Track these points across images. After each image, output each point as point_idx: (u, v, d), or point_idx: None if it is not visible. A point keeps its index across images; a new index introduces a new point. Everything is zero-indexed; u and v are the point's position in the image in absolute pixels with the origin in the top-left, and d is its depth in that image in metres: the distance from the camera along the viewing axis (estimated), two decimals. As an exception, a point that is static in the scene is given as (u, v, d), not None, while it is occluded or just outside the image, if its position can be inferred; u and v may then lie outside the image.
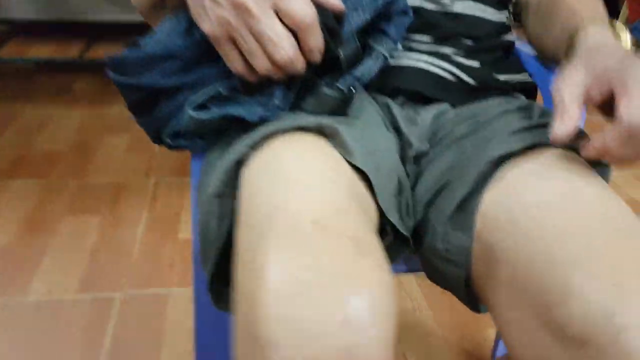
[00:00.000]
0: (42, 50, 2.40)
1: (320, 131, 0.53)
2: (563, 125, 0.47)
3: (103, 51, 2.39)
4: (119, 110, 1.96)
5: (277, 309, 0.35)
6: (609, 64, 0.49)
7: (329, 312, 0.35)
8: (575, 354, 0.38)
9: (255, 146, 0.51)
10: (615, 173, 1.75)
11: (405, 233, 0.55)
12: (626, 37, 0.56)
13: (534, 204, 0.47)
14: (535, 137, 0.53)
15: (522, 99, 0.65)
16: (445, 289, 0.60)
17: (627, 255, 0.41)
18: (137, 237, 1.30)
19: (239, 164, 0.52)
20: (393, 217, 0.53)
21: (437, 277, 0.59)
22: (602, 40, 0.54)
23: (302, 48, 0.50)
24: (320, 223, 0.40)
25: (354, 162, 0.51)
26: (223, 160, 0.53)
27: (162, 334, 1.04)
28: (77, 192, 1.45)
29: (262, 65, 0.50)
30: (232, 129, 0.57)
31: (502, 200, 0.50)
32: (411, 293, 1.21)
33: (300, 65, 0.50)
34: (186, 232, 1.33)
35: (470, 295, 0.56)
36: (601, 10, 0.63)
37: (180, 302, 1.12)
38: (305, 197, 0.43)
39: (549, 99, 0.75)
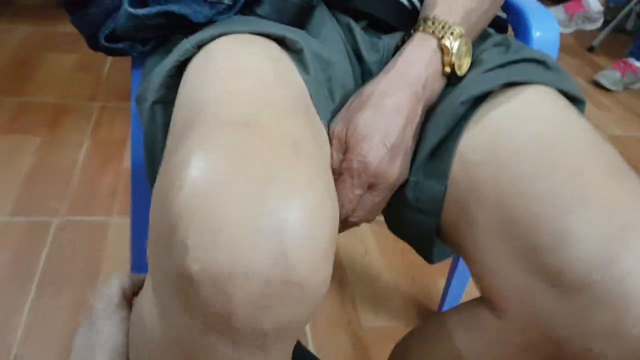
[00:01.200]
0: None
1: (281, 42, 0.48)
2: None
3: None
4: (68, 29, 1.82)
5: (191, 207, 0.30)
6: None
7: (255, 214, 0.30)
8: (570, 300, 0.37)
9: (202, 46, 0.47)
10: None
11: None
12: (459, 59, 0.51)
13: (520, 144, 0.44)
14: (513, 75, 0.50)
15: (494, 34, 0.61)
16: (405, 239, 0.57)
17: (623, 195, 0.39)
18: (78, 162, 1.23)
19: (184, 65, 0.47)
20: None
21: (401, 226, 0.56)
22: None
23: None
24: (252, 123, 0.36)
25: (307, 85, 0.48)
26: (164, 63, 0.47)
27: (99, 264, 0.99)
28: (14, 110, 1.35)
29: None
30: (174, 33, 0.51)
31: (484, 141, 0.47)
32: (363, 238, 1.19)
33: None
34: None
35: (431, 245, 0.54)
36: (460, 8, 0.53)
37: (120, 231, 1.07)
38: (242, 94, 0.39)
39: (522, 34, 0.71)
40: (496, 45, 0.58)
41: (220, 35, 0.47)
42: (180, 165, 0.32)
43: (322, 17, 0.57)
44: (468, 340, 0.47)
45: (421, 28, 0.52)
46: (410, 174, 0.51)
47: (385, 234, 1.24)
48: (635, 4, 2.43)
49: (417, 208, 0.51)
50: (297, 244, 0.30)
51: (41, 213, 1.07)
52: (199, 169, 0.31)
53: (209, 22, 0.50)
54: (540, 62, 0.53)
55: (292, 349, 0.37)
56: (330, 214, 0.33)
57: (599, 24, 2.24)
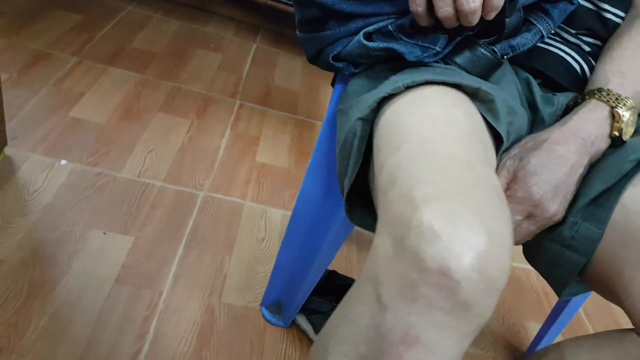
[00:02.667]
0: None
1: (474, 94, 0.58)
2: None
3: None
4: (212, 30, 2.02)
5: (428, 236, 0.39)
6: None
7: (470, 239, 0.39)
8: None
9: (410, 87, 0.57)
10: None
11: None
12: (626, 125, 0.60)
13: None
14: None
15: None
16: (541, 270, 0.64)
17: None
18: (220, 148, 1.38)
19: (389, 97, 0.57)
20: None
21: (543, 259, 0.63)
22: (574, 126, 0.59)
23: (484, 4, 0.55)
24: (470, 163, 0.46)
25: (499, 130, 0.57)
26: (376, 91, 0.58)
27: (234, 238, 1.12)
28: (170, 93, 1.53)
29: (445, 10, 0.54)
30: (383, 64, 0.62)
31: None
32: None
33: (476, 18, 0.55)
34: (264, 157, 1.40)
35: (568, 281, 0.61)
36: (635, 83, 0.62)
37: (252, 214, 1.20)
38: (455, 139, 0.49)
39: None
40: None
41: (427, 82, 0.56)
42: (421, 201, 0.41)
43: (503, 70, 0.67)
44: (614, 358, 0.54)
45: (597, 96, 0.61)
46: (569, 214, 0.59)
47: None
48: None
49: (571, 245, 0.59)
50: (484, 258, 0.39)
51: (189, 185, 1.22)
52: (435, 208, 0.40)
53: (418, 61, 0.60)
54: None
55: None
56: (508, 242, 0.41)
57: None
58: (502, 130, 0.58)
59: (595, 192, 0.58)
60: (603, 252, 0.57)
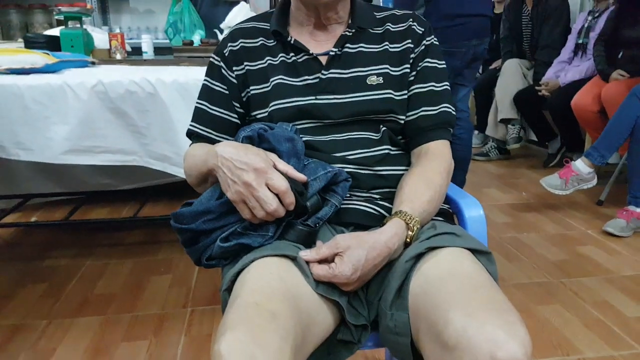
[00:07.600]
0: (100, 213, 2.88)
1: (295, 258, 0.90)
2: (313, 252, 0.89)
3: (150, 210, 2.85)
4: (163, 256, 2.35)
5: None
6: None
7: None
8: (451, 353, 0.72)
9: (254, 261, 0.88)
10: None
11: (353, 322, 0.89)
12: (412, 232, 0.93)
13: (433, 282, 0.83)
14: (433, 243, 0.90)
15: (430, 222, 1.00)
16: (399, 357, 0.90)
17: (475, 299, 0.77)
18: (177, 357, 1.60)
19: (242, 271, 0.88)
20: (349, 316, 0.90)
21: (393, 347, 0.90)
22: (379, 238, 0.89)
23: (283, 203, 0.89)
24: (258, 305, 0.76)
25: (309, 283, 0.87)
26: (233, 268, 0.89)
27: None
28: (130, 323, 1.79)
29: (260, 214, 0.89)
30: (242, 253, 0.93)
31: (420, 282, 0.86)
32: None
33: (281, 212, 0.89)
34: (217, 350, 1.62)
35: (416, 357, 0.86)
36: (418, 207, 0.95)
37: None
38: (255, 294, 0.80)
39: (460, 215, 1.11)
40: (428, 228, 0.97)
41: (265, 256, 0.88)
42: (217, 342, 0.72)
43: (323, 231, 0.99)
44: None
45: (398, 216, 0.93)
46: (386, 308, 0.87)
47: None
48: (625, 159, 2.76)
49: (396, 332, 0.86)
50: None
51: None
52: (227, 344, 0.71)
53: (261, 245, 0.92)
54: (452, 233, 0.93)
55: None
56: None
57: (594, 182, 2.54)
58: (314, 286, 0.87)
59: (395, 287, 0.87)
60: (413, 329, 0.84)
